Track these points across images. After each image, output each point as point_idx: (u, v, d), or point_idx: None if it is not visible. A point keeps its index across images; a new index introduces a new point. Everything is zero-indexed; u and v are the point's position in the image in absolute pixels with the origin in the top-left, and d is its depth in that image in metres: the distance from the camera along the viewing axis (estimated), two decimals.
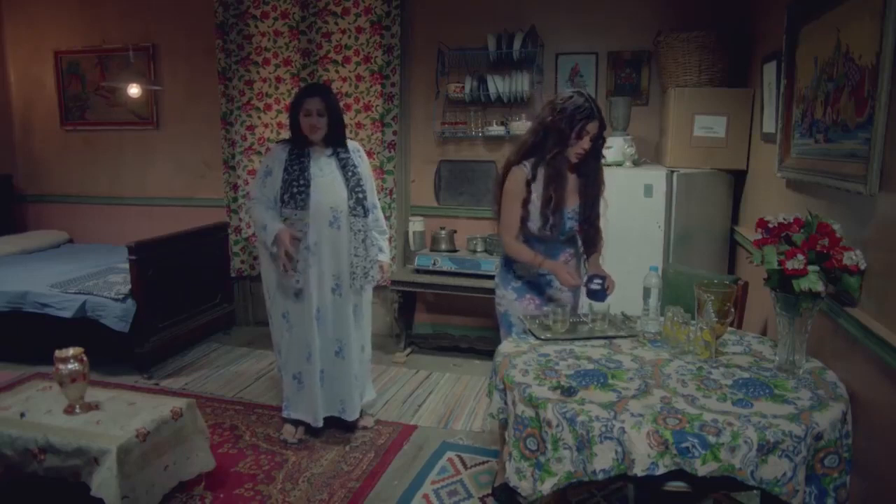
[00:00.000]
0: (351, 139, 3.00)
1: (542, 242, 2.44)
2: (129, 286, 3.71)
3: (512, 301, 2.50)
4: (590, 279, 2.32)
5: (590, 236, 2.49)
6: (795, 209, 2.11)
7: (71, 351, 2.37)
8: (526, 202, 2.37)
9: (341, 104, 4.38)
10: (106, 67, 4.94)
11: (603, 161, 2.48)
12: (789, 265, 1.70)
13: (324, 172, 2.85)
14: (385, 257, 3.09)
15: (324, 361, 2.93)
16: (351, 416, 2.99)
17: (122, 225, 5.00)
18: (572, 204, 2.42)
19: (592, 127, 2.29)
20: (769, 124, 2.81)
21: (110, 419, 2.32)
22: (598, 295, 2.29)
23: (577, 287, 2.48)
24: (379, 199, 3.27)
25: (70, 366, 2.33)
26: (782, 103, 2.51)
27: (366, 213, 2.89)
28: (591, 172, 2.42)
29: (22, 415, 2.36)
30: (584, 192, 2.42)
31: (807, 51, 2.29)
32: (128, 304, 3.67)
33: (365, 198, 2.89)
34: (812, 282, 1.68)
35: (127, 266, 3.76)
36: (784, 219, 1.83)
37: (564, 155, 2.32)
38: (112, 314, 3.65)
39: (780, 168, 2.52)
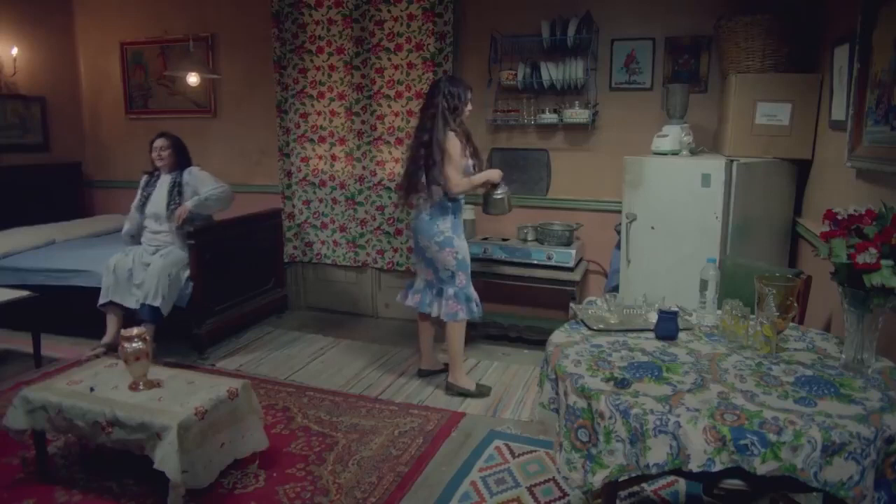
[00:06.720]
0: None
1: None
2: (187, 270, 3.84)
3: (465, 249, 3.34)
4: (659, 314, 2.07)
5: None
6: (866, 200, 2.00)
7: (135, 330, 2.48)
8: None
9: (393, 91, 4.42)
10: (167, 57, 5.10)
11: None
12: (860, 259, 1.61)
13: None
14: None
15: None
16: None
17: None
18: None
19: None
20: (839, 111, 2.67)
21: (171, 397, 2.42)
22: (668, 330, 2.04)
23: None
24: None
25: (134, 344, 2.44)
26: (855, 89, 2.38)
27: None
28: None
29: (91, 389, 2.48)
30: None
31: (885, 32, 2.17)
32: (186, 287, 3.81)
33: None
34: (886, 277, 1.59)
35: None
36: (854, 210, 1.74)
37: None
38: None
39: (849, 157, 2.40)
